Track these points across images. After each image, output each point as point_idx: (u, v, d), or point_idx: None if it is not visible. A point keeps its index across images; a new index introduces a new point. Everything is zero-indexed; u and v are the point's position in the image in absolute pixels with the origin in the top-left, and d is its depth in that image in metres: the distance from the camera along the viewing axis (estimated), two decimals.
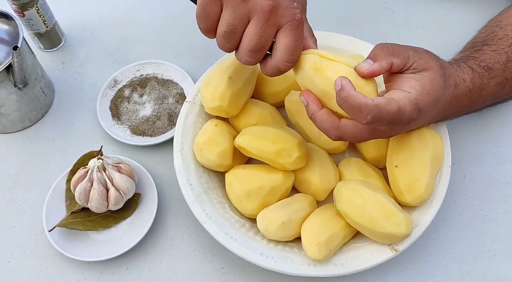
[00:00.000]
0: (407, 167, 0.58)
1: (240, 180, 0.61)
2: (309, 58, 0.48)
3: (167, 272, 0.62)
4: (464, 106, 0.60)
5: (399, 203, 0.59)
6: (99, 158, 0.62)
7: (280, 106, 0.70)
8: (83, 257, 0.60)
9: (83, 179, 0.61)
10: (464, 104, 0.59)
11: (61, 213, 0.64)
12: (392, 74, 0.51)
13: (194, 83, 0.73)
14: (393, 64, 0.49)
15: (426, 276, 0.62)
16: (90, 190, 0.61)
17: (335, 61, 0.48)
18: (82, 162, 0.66)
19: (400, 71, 0.50)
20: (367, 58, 0.49)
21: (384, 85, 0.54)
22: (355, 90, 0.45)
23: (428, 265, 0.63)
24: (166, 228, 0.65)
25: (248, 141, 0.60)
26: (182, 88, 0.75)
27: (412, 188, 0.57)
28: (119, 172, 0.63)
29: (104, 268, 0.62)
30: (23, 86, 0.67)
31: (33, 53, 0.70)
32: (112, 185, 0.62)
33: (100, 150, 0.65)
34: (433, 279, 0.62)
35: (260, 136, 0.60)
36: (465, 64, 0.59)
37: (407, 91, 0.48)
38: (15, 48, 0.60)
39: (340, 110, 0.48)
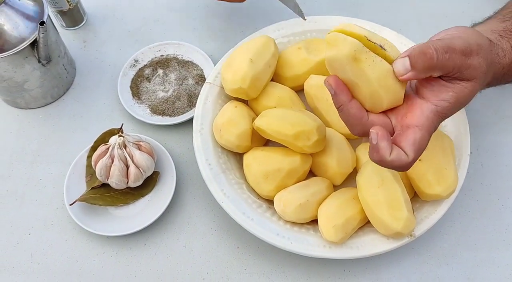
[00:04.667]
0: (432, 159, 0.57)
1: (258, 161, 0.61)
2: (350, 43, 0.40)
3: (183, 249, 0.63)
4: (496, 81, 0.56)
5: (412, 199, 0.59)
6: (120, 135, 0.63)
7: (299, 90, 0.70)
8: (102, 232, 0.62)
9: (104, 156, 0.62)
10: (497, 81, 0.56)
11: (81, 188, 0.65)
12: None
13: (214, 65, 0.73)
14: (432, 76, 0.43)
15: (440, 263, 0.62)
16: (110, 167, 0.62)
17: (377, 53, 0.42)
18: (103, 139, 0.67)
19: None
20: (406, 55, 0.42)
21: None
22: (389, 154, 0.42)
23: (442, 252, 0.63)
24: (184, 207, 0.66)
25: (267, 123, 0.61)
26: (202, 69, 0.75)
27: (442, 178, 0.57)
28: (139, 150, 0.64)
29: (122, 243, 0.63)
30: (47, 63, 0.68)
31: (56, 30, 0.71)
32: (132, 162, 0.63)
33: (121, 127, 0.66)
34: (447, 266, 0.62)
35: (279, 119, 0.61)
36: (509, 42, 0.54)
37: (438, 105, 0.43)
38: (42, 23, 0.61)
39: (369, 104, 0.44)
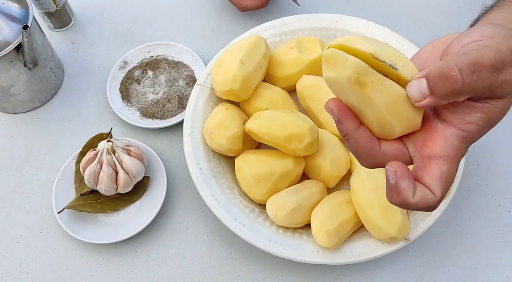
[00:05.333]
0: None
1: (250, 165, 0.60)
2: (352, 65, 0.32)
3: (175, 255, 0.62)
4: None
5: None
6: (108, 140, 0.62)
7: (291, 91, 0.69)
8: (92, 239, 0.60)
9: (93, 161, 0.61)
10: None
11: (70, 194, 0.64)
12: None
13: (205, 66, 0.72)
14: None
15: (436, 266, 0.61)
16: (99, 173, 0.61)
17: (387, 74, 0.34)
18: (92, 143, 0.66)
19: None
20: (423, 75, 0.33)
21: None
22: (413, 195, 0.35)
23: (438, 254, 0.62)
24: (175, 212, 0.65)
25: (258, 126, 0.59)
26: (192, 70, 0.74)
27: None
28: (129, 155, 0.62)
29: (113, 251, 0.62)
30: (33, 66, 0.67)
31: (43, 32, 0.70)
32: (122, 167, 0.61)
33: (110, 132, 0.64)
34: (443, 268, 0.61)
35: (271, 121, 0.59)
36: None
37: (465, 130, 0.35)
38: (25, 27, 0.59)
39: (379, 132, 0.36)
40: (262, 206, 0.61)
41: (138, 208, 0.64)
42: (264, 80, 0.68)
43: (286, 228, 0.59)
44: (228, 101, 0.66)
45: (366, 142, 0.36)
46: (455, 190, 0.59)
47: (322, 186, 0.61)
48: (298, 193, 0.59)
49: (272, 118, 0.60)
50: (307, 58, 0.66)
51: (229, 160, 0.65)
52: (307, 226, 0.59)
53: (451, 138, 0.35)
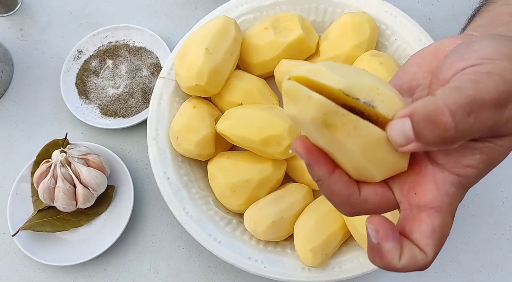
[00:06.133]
0: None
1: (224, 172, 0.53)
2: (317, 104, 0.25)
3: (148, 272, 0.56)
4: None
5: None
6: (62, 151, 0.54)
7: (269, 77, 0.60)
8: (55, 262, 0.55)
9: (46, 176, 0.54)
10: None
11: (28, 209, 0.57)
12: None
13: (171, 51, 0.63)
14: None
15: (436, 270, 0.56)
16: (54, 188, 0.54)
17: (362, 112, 0.27)
18: (46, 151, 0.59)
19: None
20: (406, 114, 0.26)
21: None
22: (399, 258, 0.28)
23: (438, 257, 0.55)
24: (146, 223, 0.58)
25: (231, 128, 0.52)
26: (157, 57, 0.65)
27: None
28: (87, 165, 0.55)
29: (80, 270, 0.57)
30: None
31: None
32: (79, 181, 0.54)
33: (65, 138, 0.57)
34: (443, 273, 0.56)
35: (244, 121, 0.52)
36: None
37: (461, 174, 0.28)
38: None
39: (356, 177, 0.29)
40: (241, 215, 0.54)
41: (104, 221, 0.58)
42: (237, 67, 0.60)
43: (268, 242, 0.53)
44: (197, 95, 0.58)
45: (342, 189, 0.29)
46: None
47: (306, 190, 0.54)
48: (279, 202, 0.52)
49: (246, 118, 0.52)
50: (284, 40, 0.58)
51: (202, 163, 0.57)
52: (292, 236, 0.53)
53: (444, 186, 0.29)
